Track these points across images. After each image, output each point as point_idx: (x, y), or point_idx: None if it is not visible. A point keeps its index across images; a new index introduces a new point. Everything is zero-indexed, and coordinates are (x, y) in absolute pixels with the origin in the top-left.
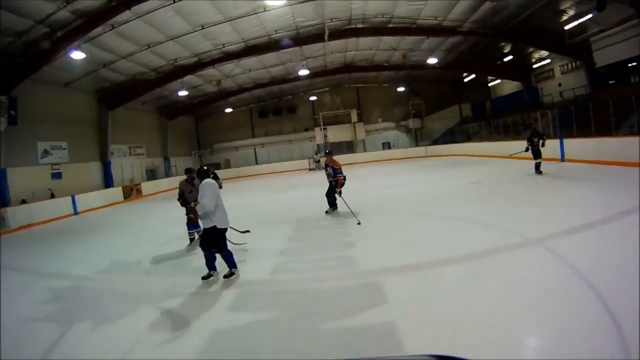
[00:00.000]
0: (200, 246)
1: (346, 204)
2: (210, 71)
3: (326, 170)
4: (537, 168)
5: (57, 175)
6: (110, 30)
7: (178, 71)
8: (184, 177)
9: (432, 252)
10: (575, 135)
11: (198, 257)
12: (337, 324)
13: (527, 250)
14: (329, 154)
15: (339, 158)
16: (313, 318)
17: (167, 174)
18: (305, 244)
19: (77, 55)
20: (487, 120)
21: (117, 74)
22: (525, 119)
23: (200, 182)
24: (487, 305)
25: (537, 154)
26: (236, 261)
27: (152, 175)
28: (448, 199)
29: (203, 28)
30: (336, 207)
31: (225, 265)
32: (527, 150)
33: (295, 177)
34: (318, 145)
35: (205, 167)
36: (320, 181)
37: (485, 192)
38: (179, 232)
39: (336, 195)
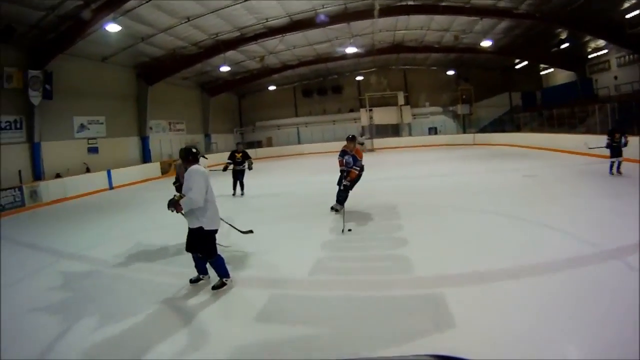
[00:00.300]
0: (186, 249)
1: (343, 207)
2: (253, 47)
3: (341, 156)
4: (617, 168)
5: (93, 150)
6: (147, 2)
7: (220, 46)
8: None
9: (496, 259)
10: (635, 132)
11: (224, 250)
12: (394, 350)
13: (606, 265)
14: (352, 140)
15: (383, 142)
16: (363, 338)
17: (207, 151)
18: (349, 237)
19: (113, 27)
20: (538, 110)
21: (156, 48)
22: (578, 112)
23: (186, 167)
24: (571, 331)
25: (615, 152)
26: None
27: None
28: (503, 193)
29: (246, 0)
30: (342, 207)
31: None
32: (607, 146)
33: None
34: (363, 127)
35: (195, 149)
36: (366, 164)
37: (543, 188)
38: (223, 207)
39: (342, 187)
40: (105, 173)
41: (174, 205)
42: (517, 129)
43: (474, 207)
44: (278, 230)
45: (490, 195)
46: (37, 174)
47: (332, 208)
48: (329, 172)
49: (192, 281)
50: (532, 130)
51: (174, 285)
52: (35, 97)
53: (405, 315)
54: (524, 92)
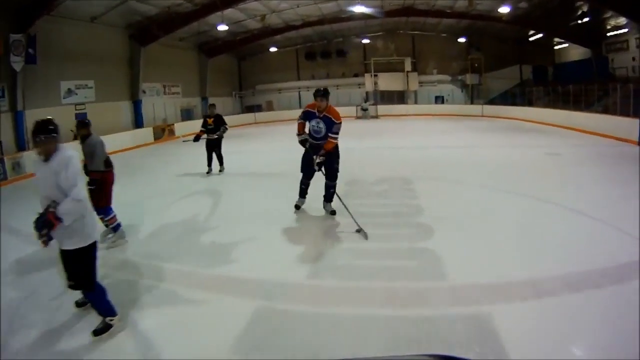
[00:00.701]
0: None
1: (340, 199)
2: (253, 4)
3: (303, 119)
4: None
5: (81, 116)
6: None
7: (217, 3)
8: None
9: (550, 261)
10: None
11: (210, 234)
12: None
13: None
14: (324, 96)
15: (388, 109)
16: None
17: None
18: (360, 222)
19: None
20: (549, 86)
21: (149, 6)
22: (595, 90)
23: (48, 152)
24: None
25: None
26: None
27: (187, 115)
28: (532, 172)
29: None
30: (331, 205)
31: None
32: None
33: (342, 125)
34: (367, 92)
35: (87, 120)
36: (371, 131)
37: (574, 169)
38: (199, 185)
39: (316, 168)
40: None
41: (47, 223)
42: (529, 103)
43: (504, 187)
44: (265, 216)
45: (520, 174)
46: (21, 145)
47: (295, 207)
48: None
49: (78, 305)
50: (546, 105)
51: (135, 286)
52: (17, 62)
53: (443, 345)
54: (536, 66)
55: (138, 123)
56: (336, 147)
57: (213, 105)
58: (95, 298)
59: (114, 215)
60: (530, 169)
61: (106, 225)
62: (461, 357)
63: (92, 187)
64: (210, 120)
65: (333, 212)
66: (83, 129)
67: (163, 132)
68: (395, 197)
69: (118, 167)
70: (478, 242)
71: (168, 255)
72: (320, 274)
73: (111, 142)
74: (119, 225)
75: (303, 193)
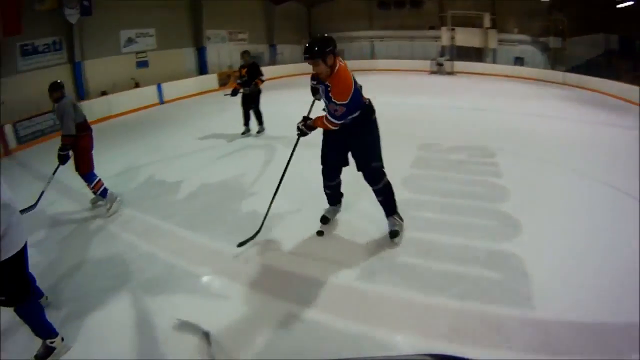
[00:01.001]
0: None
1: (273, 198)
2: None
3: (312, 86)
4: None
5: (142, 64)
6: None
7: None
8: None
9: None
10: None
11: (244, 206)
12: None
13: None
14: (312, 56)
15: (464, 65)
16: None
17: (272, 62)
18: (427, 199)
19: None
20: (637, 60)
21: None
22: None
23: None
24: None
25: None
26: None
27: None
28: (632, 163)
29: None
30: (395, 220)
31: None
32: None
33: (416, 79)
34: (443, 46)
35: (60, 82)
36: (446, 87)
37: None
38: (231, 147)
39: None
40: (155, 87)
41: None
42: (617, 77)
43: (608, 179)
44: (309, 192)
45: (620, 164)
46: (80, 94)
47: (324, 219)
48: (405, 94)
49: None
50: (633, 81)
51: (153, 261)
52: (72, 15)
53: None
54: (623, 36)
55: (202, 70)
56: (372, 129)
57: (247, 52)
58: (29, 314)
59: (98, 180)
60: (632, 157)
61: (94, 193)
62: (461, 357)
63: (62, 153)
64: (243, 71)
65: (393, 234)
66: (55, 92)
67: (228, 79)
68: (473, 172)
69: (169, 115)
70: (583, 254)
71: (196, 227)
72: (374, 273)
73: (174, 89)
74: (105, 190)
75: (331, 199)
